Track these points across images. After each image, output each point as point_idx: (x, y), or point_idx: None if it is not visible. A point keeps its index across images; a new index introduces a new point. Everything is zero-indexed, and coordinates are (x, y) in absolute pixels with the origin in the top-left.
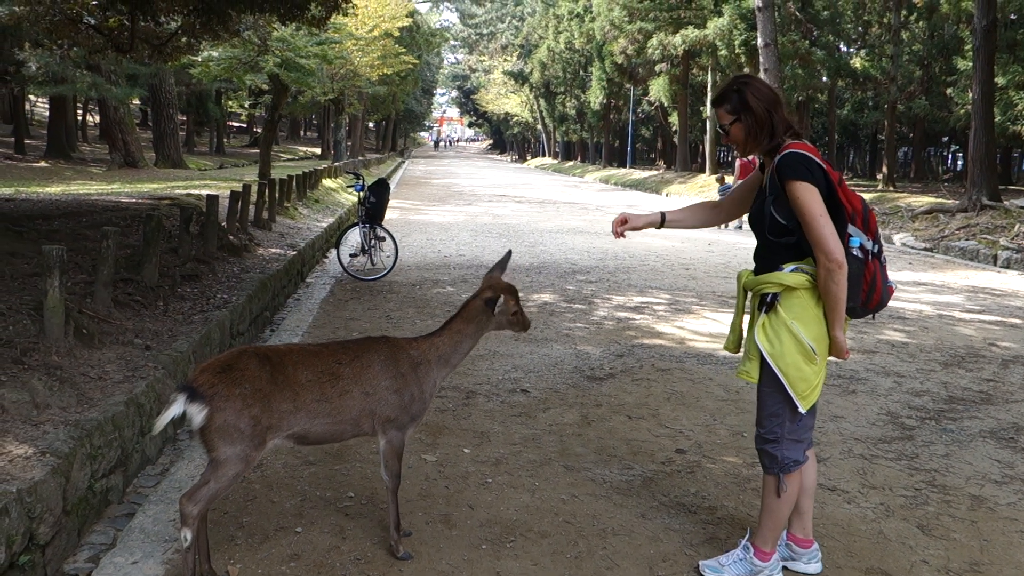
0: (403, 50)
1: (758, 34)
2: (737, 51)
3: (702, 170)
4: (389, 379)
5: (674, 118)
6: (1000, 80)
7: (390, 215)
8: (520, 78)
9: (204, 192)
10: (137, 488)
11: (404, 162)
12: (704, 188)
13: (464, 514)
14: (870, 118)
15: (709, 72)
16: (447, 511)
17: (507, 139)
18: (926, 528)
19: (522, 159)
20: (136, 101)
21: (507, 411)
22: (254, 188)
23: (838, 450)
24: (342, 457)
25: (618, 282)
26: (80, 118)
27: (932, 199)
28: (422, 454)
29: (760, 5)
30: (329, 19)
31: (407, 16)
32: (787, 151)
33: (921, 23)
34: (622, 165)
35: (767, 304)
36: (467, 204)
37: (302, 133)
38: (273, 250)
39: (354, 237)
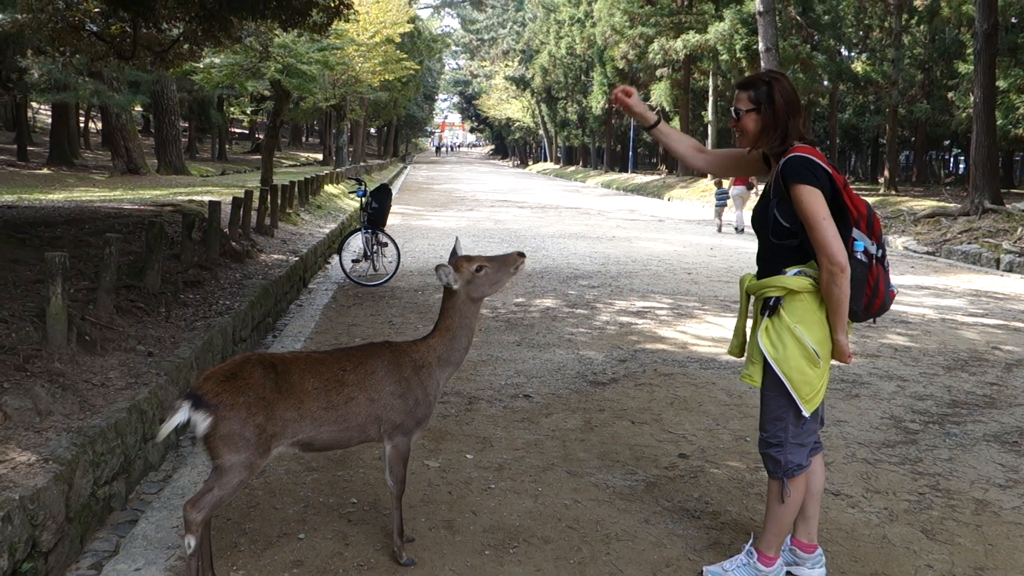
0: (404, 56)
1: (759, 39)
2: (738, 56)
3: (703, 175)
4: (393, 384)
5: (676, 122)
6: (1001, 83)
7: (392, 221)
8: (521, 83)
9: (206, 198)
10: (140, 495)
11: (406, 167)
12: (706, 192)
13: (467, 520)
14: (871, 122)
15: (710, 77)
16: (450, 517)
17: (509, 144)
18: (930, 533)
19: (524, 164)
20: (138, 108)
21: (510, 416)
22: (256, 194)
23: (841, 455)
24: (345, 463)
25: (620, 287)
26: (82, 125)
27: (934, 203)
28: (425, 460)
29: (761, 10)
30: (330, 25)
31: (408, 22)
32: (792, 154)
33: (922, 27)
34: (624, 170)
35: (770, 308)
36: (469, 209)
37: (304, 139)
38: (275, 256)
39: (356, 243)
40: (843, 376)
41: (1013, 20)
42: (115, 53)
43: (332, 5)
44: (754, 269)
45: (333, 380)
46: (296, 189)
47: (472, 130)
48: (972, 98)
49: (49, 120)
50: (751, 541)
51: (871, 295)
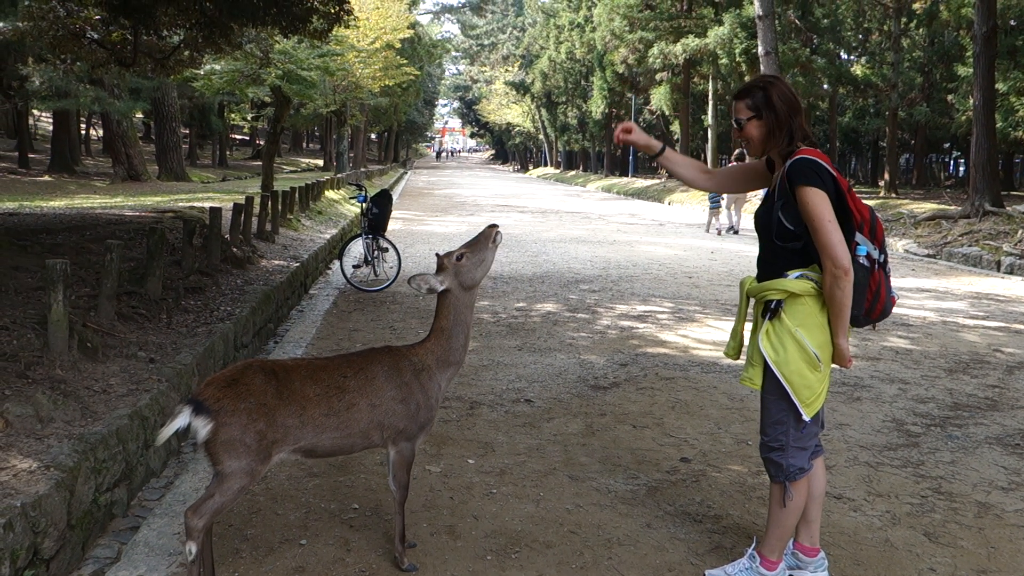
0: (404, 61)
1: (759, 42)
2: (738, 60)
3: None
4: (394, 389)
5: (675, 127)
6: (1001, 86)
7: (393, 226)
8: (521, 88)
9: (207, 205)
10: (142, 501)
11: (406, 173)
12: (706, 196)
13: (469, 525)
14: (871, 125)
15: (710, 81)
16: (452, 522)
17: (509, 149)
18: (933, 536)
19: (524, 169)
20: (139, 115)
21: (511, 421)
22: (257, 200)
23: (843, 458)
24: (346, 469)
25: (621, 291)
26: (83, 132)
27: (934, 205)
28: (426, 465)
29: (760, 14)
30: (331, 31)
31: (408, 28)
32: (798, 156)
33: (921, 30)
34: (624, 174)
35: (771, 311)
36: (470, 214)
37: (304, 145)
38: (276, 262)
39: (357, 248)
40: (845, 379)
41: (1012, 23)
42: (116, 60)
43: (332, 11)
44: (755, 272)
45: (334, 386)
46: (297, 195)
47: (472, 135)
48: (972, 101)
49: (50, 127)
50: (753, 545)
51: (872, 300)
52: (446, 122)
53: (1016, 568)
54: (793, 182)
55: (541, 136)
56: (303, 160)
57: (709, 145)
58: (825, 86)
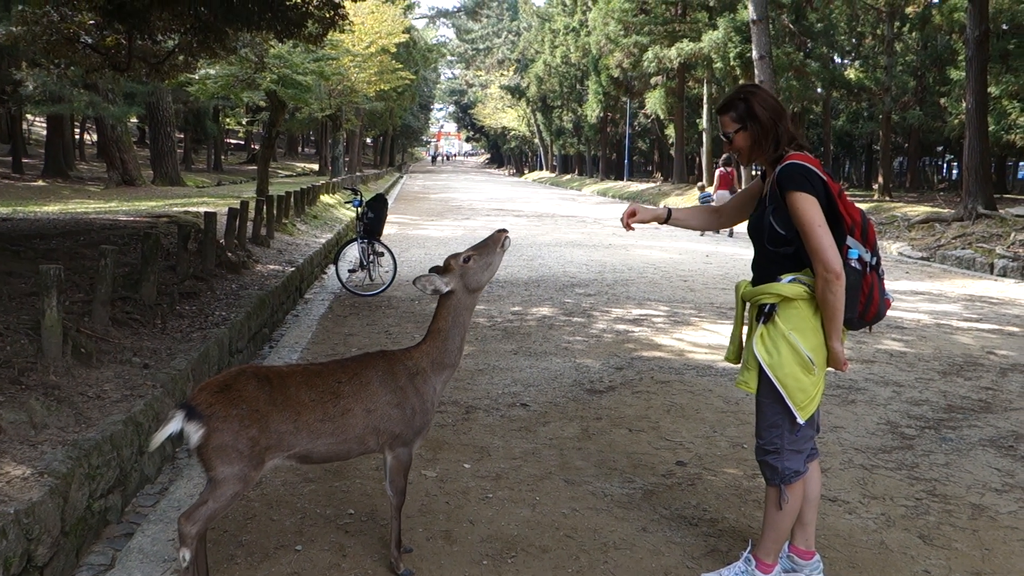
0: (400, 66)
1: (753, 46)
2: (732, 63)
3: (698, 183)
4: (389, 394)
5: (670, 130)
6: (993, 90)
7: (388, 230)
8: (517, 92)
9: (202, 209)
10: (136, 508)
11: (402, 177)
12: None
13: (465, 530)
14: (865, 128)
15: (705, 84)
16: (448, 527)
17: (504, 153)
18: (927, 538)
19: (520, 173)
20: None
21: (507, 425)
22: (252, 205)
23: (838, 460)
24: (342, 474)
25: (617, 295)
26: (77, 137)
27: (928, 208)
28: (422, 470)
29: (755, 18)
30: (326, 36)
31: (404, 32)
32: (788, 162)
33: (914, 34)
34: (619, 178)
35: (765, 315)
36: (465, 218)
37: (300, 149)
38: (271, 267)
39: (352, 253)
40: (839, 382)
41: (1004, 27)
42: (110, 65)
43: (327, 16)
44: (750, 275)
45: (328, 392)
46: (292, 199)
47: (468, 139)
48: (964, 104)
49: (44, 132)
50: (749, 548)
51: (866, 303)
52: (442, 126)
53: (1010, 570)
54: (783, 187)
55: (536, 140)
56: (298, 164)
57: (704, 149)
58: (819, 90)
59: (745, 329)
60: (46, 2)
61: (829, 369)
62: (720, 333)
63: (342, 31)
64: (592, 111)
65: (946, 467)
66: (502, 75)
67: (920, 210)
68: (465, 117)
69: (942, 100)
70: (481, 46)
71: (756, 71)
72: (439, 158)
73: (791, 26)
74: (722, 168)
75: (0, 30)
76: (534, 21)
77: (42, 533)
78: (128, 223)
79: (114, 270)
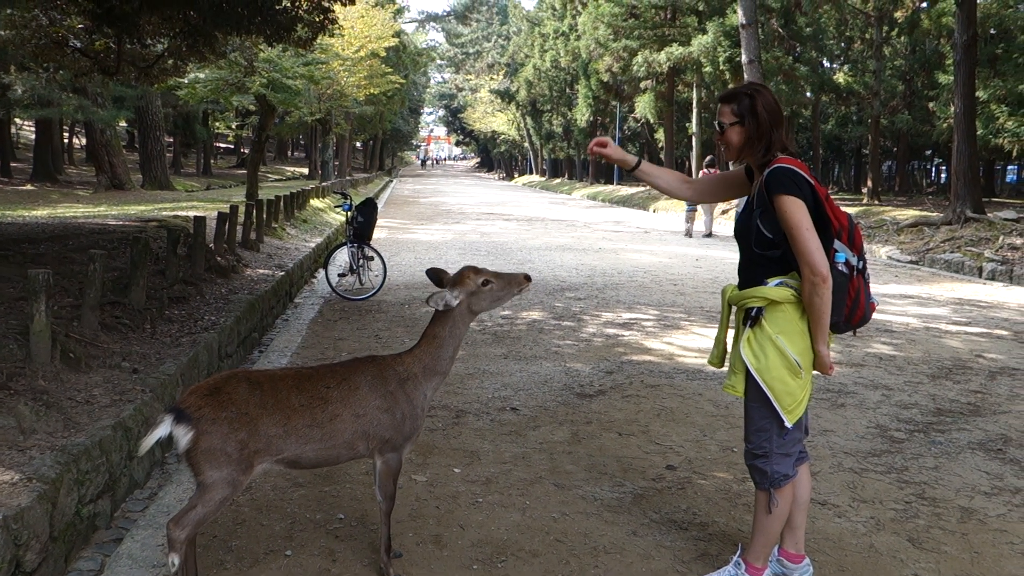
0: (389, 70)
1: (742, 51)
2: (721, 68)
3: None
4: (379, 399)
5: (660, 135)
6: (981, 94)
7: (378, 234)
8: (506, 96)
9: (191, 213)
10: (125, 513)
11: (392, 181)
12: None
13: (455, 534)
14: (854, 132)
15: (694, 89)
16: (438, 531)
17: (494, 157)
18: (917, 541)
19: (509, 177)
20: (123, 123)
21: (497, 430)
22: (242, 209)
23: (828, 464)
24: (332, 479)
25: (607, 299)
26: (66, 141)
27: (917, 212)
28: (412, 474)
29: (744, 22)
30: (315, 40)
31: (393, 36)
32: (776, 165)
33: (903, 38)
34: (609, 182)
35: (752, 318)
36: (455, 223)
37: (289, 153)
38: (261, 271)
39: (342, 257)
40: (828, 386)
41: (992, 31)
42: (99, 69)
43: (317, 20)
44: (737, 280)
45: (318, 397)
46: (282, 203)
47: (458, 143)
48: (953, 108)
49: (33, 136)
50: (739, 552)
51: (852, 307)
52: (431, 130)
53: (999, 573)
54: (771, 191)
55: (526, 144)
56: (288, 168)
57: (693, 153)
58: (808, 94)
59: (731, 333)
60: (35, 6)
61: (816, 373)
62: (710, 337)
63: (332, 35)
64: (582, 115)
65: (935, 470)
66: (492, 79)
67: (909, 214)
68: (455, 121)
69: (930, 104)
70: (471, 50)
71: (745, 75)
72: (429, 162)
73: (780, 30)
74: (706, 170)
75: None
76: (524, 25)
77: (31, 539)
78: (117, 227)
79: (103, 275)
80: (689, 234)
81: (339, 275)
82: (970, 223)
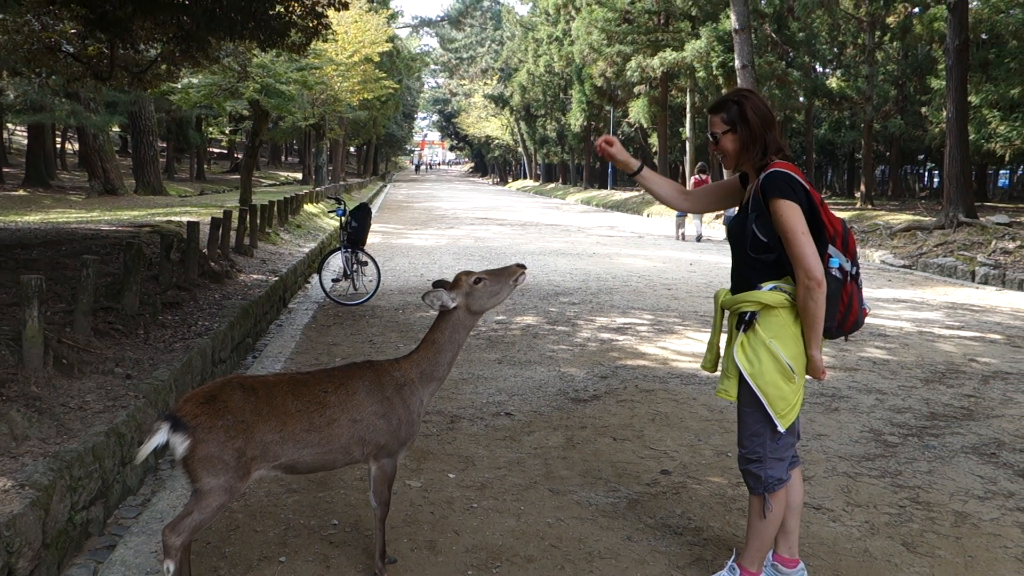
0: (383, 75)
1: (735, 56)
2: (715, 73)
3: None
4: (375, 404)
5: (654, 139)
6: (974, 99)
7: (372, 239)
8: (500, 101)
9: (185, 219)
10: (118, 519)
11: (386, 186)
12: None
13: (449, 540)
14: (847, 137)
15: (688, 94)
16: (432, 537)
17: (488, 162)
18: (911, 545)
19: (503, 182)
20: (116, 128)
21: (492, 435)
22: (235, 214)
23: (822, 468)
24: (326, 484)
25: (601, 303)
26: (59, 146)
27: (910, 217)
28: (407, 480)
29: (737, 27)
30: (309, 45)
31: (387, 41)
32: (772, 170)
33: (895, 44)
34: (603, 186)
35: (745, 323)
36: (449, 227)
37: (283, 158)
38: (255, 276)
39: (336, 262)
40: (822, 390)
41: (984, 36)
42: (92, 74)
43: (310, 25)
44: (730, 284)
45: (314, 402)
46: (275, 208)
47: (452, 148)
48: (945, 113)
49: (25, 141)
50: (733, 557)
51: (845, 312)
52: (425, 135)
53: None
54: (767, 195)
55: (520, 149)
56: (282, 173)
57: (687, 158)
58: (801, 99)
59: (724, 337)
60: (27, 11)
61: (809, 377)
62: (704, 342)
63: (325, 40)
64: (576, 120)
65: (929, 474)
66: (485, 84)
67: (902, 218)
68: (449, 126)
69: (923, 109)
70: (464, 55)
71: (739, 80)
72: (423, 167)
73: (773, 35)
74: (697, 175)
75: None
76: (517, 30)
77: (23, 546)
78: (110, 233)
79: (96, 280)
80: (681, 238)
81: (333, 280)
82: (963, 227)
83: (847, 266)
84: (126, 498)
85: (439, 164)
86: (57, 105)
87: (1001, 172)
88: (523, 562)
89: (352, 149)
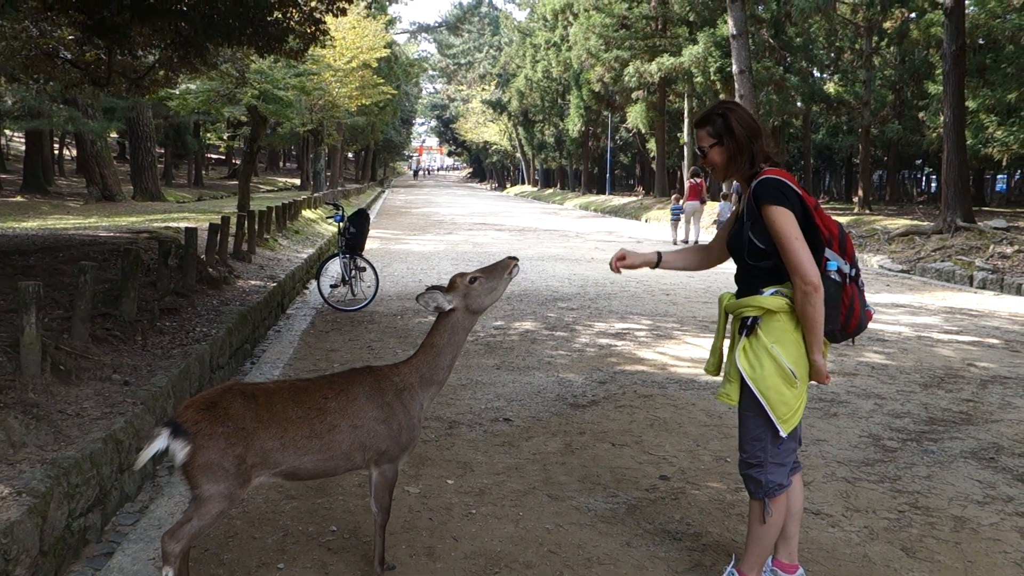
0: (381, 81)
1: (733, 61)
2: (712, 78)
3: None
4: (376, 409)
5: (652, 144)
6: (971, 103)
7: (370, 245)
8: (498, 107)
9: (183, 225)
10: (116, 526)
11: (384, 192)
12: None
13: (448, 546)
14: (845, 142)
15: (685, 99)
16: (431, 543)
17: (486, 167)
18: (910, 551)
19: (502, 187)
20: (114, 134)
21: (490, 440)
22: (233, 220)
23: (821, 473)
24: (324, 491)
25: (599, 309)
26: (57, 152)
27: (908, 221)
28: (405, 486)
29: (734, 33)
30: (307, 51)
31: (385, 47)
32: (763, 177)
33: (892, 49)
34: (601, 192)
35: (748, 327)
36: (447, 233)
37: (281, 164)
38: (253, 282)
39: (334, 268)
40: (821, 395)
41: (981, 41)
42: (90, 80)
43: (308, 31)
44: (733, 288)
45: (315, 408)
46: (273, 214)
47: (450, 154)
48: (942, 118)
49: (23, 147)
50: (732, 563)
51: (847, 314)
52: (423, 141)
53: None
54: (759, 202)
55: (518, 154)
56: (280, 179)
57: (684, 162)
58: (799, 104)
59: (727, 342)
60: (25, 17)
61: (811, 382)
62: (703, 347)
63: (323, 46)
64: (574, 125)
65: (928, 479)
66: (483, 90)
67: (900, 223)
68: (447, 131)
69: (920, 114)
70: (463, 61)
71: (736, 85)
72: (421, 172)
73: (771, 41)
74: (691, 179)
75: None
76: (515, 36)
77: (20, 553)
78: (108, 239)
79: (94, 286)
80: (675, 242)
81: (331, 286)
82: (960, 232)
83: (845, 268)
84: (124, 505)
85: (437, 170)
86: (55, 111)
87: (999, 177)
88: (522, 568)
89: (350, 155)
